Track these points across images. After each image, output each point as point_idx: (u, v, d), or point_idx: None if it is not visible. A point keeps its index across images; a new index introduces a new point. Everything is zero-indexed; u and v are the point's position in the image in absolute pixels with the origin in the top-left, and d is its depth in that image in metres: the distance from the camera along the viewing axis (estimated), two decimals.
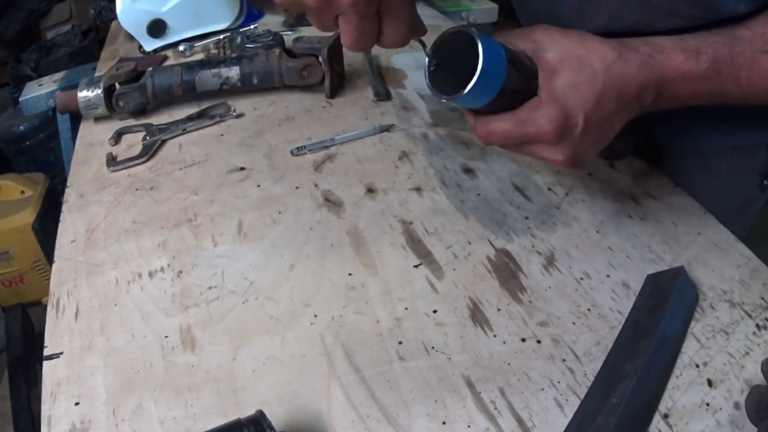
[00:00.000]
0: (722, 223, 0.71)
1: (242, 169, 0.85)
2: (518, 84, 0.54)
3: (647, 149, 0.82)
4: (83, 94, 0.97)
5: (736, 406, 0.52)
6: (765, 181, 0.85)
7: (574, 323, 0.60)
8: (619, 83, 0.53)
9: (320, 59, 1.00)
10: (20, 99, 2.03)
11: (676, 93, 0.56)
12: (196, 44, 1.29)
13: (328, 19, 0.52)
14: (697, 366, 0.55)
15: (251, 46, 1.16)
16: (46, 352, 0.59)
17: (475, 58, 0.50)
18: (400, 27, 0.54)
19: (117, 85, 0.98)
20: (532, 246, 0.69)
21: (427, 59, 0.56)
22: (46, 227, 1.91)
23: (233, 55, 1.08)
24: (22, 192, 1.97)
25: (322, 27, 0.53)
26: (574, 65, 0.53)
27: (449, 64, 0.55)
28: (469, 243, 0.70)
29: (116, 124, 0.98)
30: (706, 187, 0.78)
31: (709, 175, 0.81)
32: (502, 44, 0.53)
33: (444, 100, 0.54)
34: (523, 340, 0.58)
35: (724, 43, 0.55)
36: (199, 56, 1.26)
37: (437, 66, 0.56)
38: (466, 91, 0.51)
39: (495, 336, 0.59)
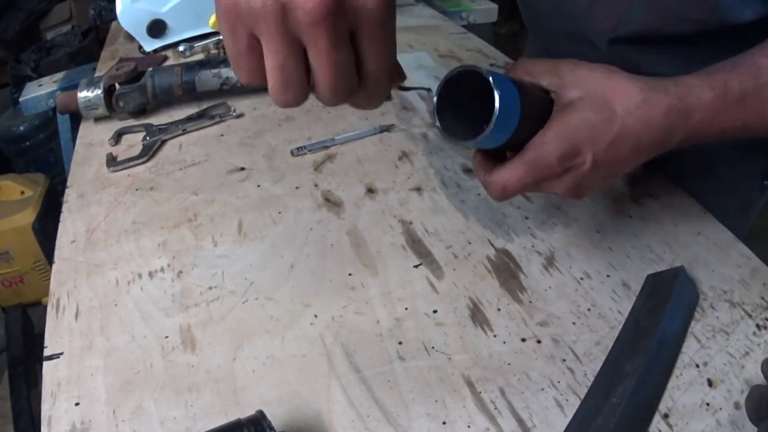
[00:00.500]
0: (722, 223, 0.71)
1: (242, 169, 0.85)
2: (530, 120, 0.52)
3: None
4: (83, 94, 0.97)
5: (737, 406, 0.52)
6: (765, 182, 0.85)
7: (574, 323, 0.60)
8: (640, 129, 0.51)
9: None
10: (20, 99, 2.03)
11: (703, 132, 0.53)
12: (196, 44, 1.28)
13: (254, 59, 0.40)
14: (698, 366, 0.55)
15: None
16: (46, 352, 0.59)
17: (486, 97, 0.48)
18: (383, 61, 0.44)
19: (117, 86, 0.98)
20: (532, 246, 0.69)
21: (435, 100, 0.53)
22: (46, 227, 1.91)
23: None
24: (22, 192, 1.98)
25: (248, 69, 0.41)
26: (595, 104, 0.51)
27: (455, 103, 0.53)
28: (469, 243, 0.70)
29: (116, 125, 0.98)
30: (707, 187, 0.78)
31: (711, 175, 0.81)
32: (513, 79, 0.50)
33: (457, 144, 0.52)
34: (523, 340, 0.58)
35: (749, 75, 0.53)
36: (199, 56, 1.26)
37: (443, 106, 0.53)
38: (483, 136, 0.48)
39: (495, 336, 0.59)
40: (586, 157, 0.51)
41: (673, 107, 0.51)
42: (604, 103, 0.51)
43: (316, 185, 0.81)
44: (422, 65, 1.15)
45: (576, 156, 0.51)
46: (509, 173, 0.53)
